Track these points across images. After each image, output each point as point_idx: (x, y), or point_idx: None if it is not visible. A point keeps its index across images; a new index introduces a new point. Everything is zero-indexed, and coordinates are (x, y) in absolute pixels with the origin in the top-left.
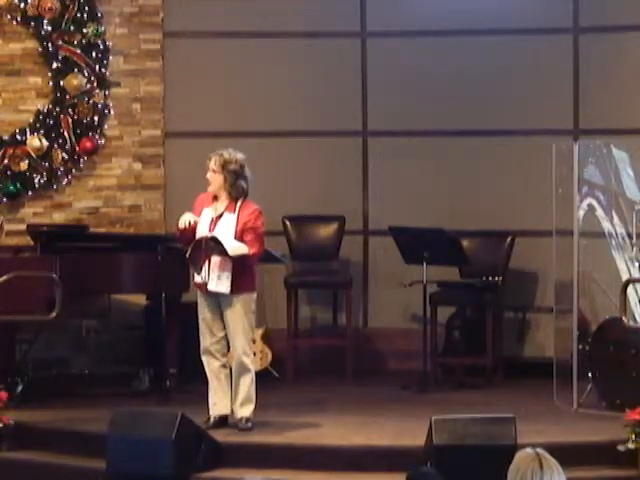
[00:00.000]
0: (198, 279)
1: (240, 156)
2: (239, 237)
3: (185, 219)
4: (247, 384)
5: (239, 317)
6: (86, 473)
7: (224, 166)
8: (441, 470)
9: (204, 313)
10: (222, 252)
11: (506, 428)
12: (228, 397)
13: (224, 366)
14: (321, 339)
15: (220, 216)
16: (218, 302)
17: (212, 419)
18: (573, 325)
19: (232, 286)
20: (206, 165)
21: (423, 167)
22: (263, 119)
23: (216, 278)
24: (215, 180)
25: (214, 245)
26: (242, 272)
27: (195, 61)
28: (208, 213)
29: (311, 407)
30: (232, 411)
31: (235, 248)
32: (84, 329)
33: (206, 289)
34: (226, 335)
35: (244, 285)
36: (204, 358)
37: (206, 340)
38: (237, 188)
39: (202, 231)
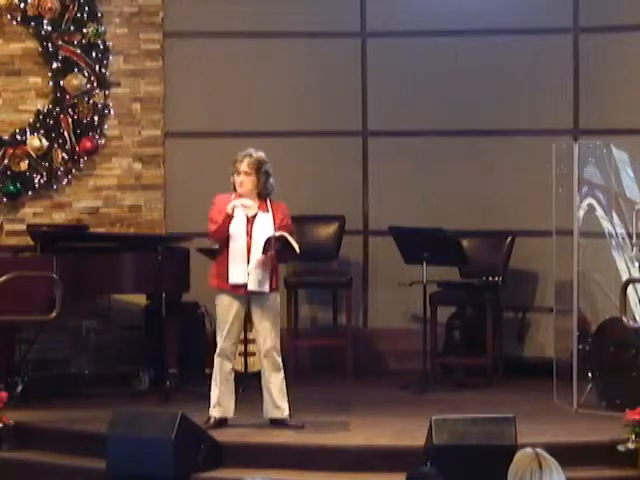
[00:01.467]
0: (238, 280)
1: (264, 155)
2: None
3: (234, 204)
4: (281, 382)
5: (273, 315)
6: (86, 473)
7: (259, 167)
8: (441, 470)
9: (229, 315)
10: (291, 251)
11: (506, 428)
12: (233, 400)
13: (233, 369)
14: (321, 339)
15: (254, 216)
16: (247, 303)
17: (213, 419)
18: (573, 325)
19: (270, 284)
20: (236, 168)
21: (423, 167)
22: (263, 119)
23: (258, 278)
24: (249, 182)
25: (280, 244)
26: (275, 270)
27: (195, 61)
28: (240, 213)
29: (311, 407)
30: (266, 412)
31: (295, 246)
32: (84, 329)
33: (244, 290)
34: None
35: (276, 283)
36: (218, 360)
37: (225, 342)
38: (267, 188)
39: (239, 231)
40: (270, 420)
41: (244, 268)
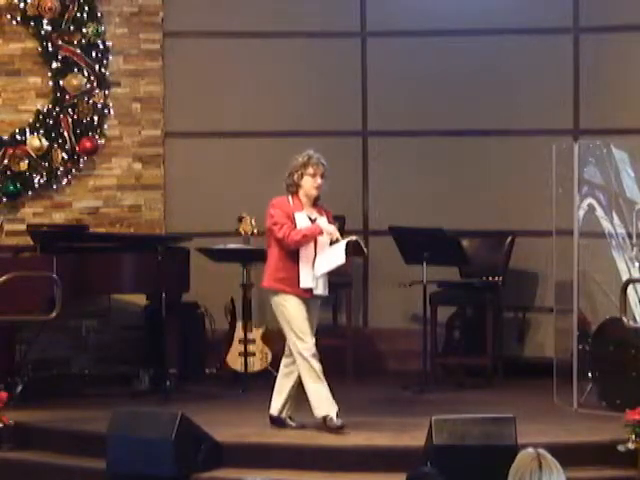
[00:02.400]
0: (308, 284)
1: None
2: None
3: (326, 229)
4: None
5: (318, 317)
6: (86, 473)
7: (325, 172)
8: (441, 470)
9: (304, 313)
10: (361, 254)
11: (506, 428)
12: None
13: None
14: (321, 339)
15: (315, 219)
16: (307, 306)
17: (330, 418)
18: (573, 325)
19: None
20: (309, 170)
21: (423, 167)
22: (263, 119)
23: (322, 282)
24: (321, 185)
25: (354, 249)
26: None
27: (195, 61)
28: (303, 217)
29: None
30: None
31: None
32: (84, 329)
33: (310, 293)
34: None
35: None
36: (313, 360)
37: (311, 340)
38: (322, 193)
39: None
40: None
41: (312, 272)
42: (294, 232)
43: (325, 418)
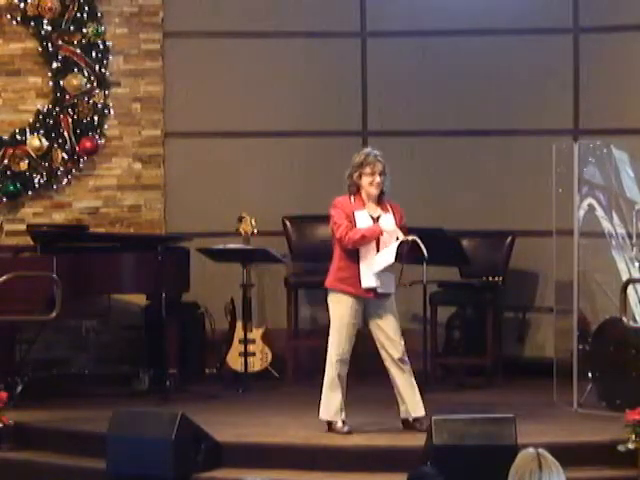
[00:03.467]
0: (370, 283)
1: None
2: None
3: (385, 230)
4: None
5: (396, 316)
6: (86, 473)
7: (384, 169)
8: (441, 470)
9: (350, 319)
10: (420, 254)
11: (506, 428)
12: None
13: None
14: (321, 339)
15: (378, 217)
16: (364, 307)
17: (342, 423)
18: (573, 325)
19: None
20: (366, 169)
21: (423, 167)
22: (263, 119)
23: (386, 280)
24: (380, 183)
25: (409, 247)
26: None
27: (195, 61)
28: (364, 215)
29: (311, 407)
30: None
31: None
32: (84, 329)
33: (374, 293)
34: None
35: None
36: (337, 365)
37: (345, 346)
38: (386, 189)
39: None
40: (414, 419)
41: (373, 271)
42: (352, 232)
43: (329, 423)
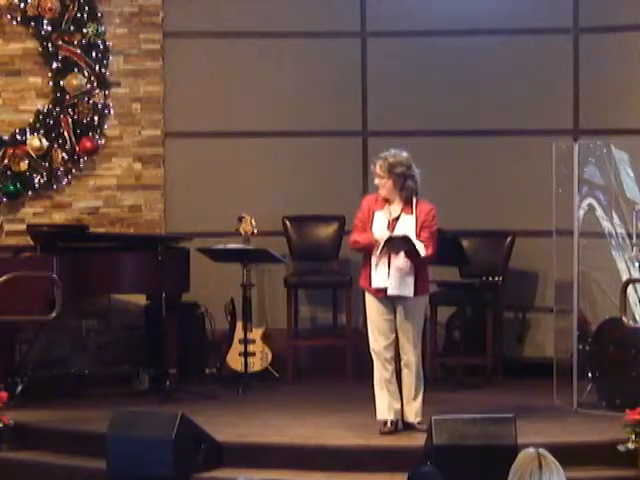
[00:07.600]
0: (379, 284)
1: (404, 155)
2: (418, 237)
3: (379, 237)
4: (422, 388)
5: (418, 320)
6: (86, 473)
7: (390, 170)
8: (441, 470)
9: (377, 316)
10: (412, 252)
11: (506, 428)
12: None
13: (393, 372)
14: (321, 339)
15: (397, 218)
16: (393, 306)
17: (390, 423)
18: (573, 325)
19: (414, 289)
20: (372, 171)
21: (423, 167)
22: (263, 119)
23: (398, 282)
24: (385, 185)
25: (403, 244)
26: (422, 274)
27: (195, 61)
28: (382, 216)
29: (311, 407)
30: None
31: (420, 248)
32: (84, 329)
33: (384, 294)
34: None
35: (424, 287)
36: (378, 363)
37: (378, 344)
38: (407, 189)
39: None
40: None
41: (385, 272)
42: (353, 237)
43: (384, 422)
